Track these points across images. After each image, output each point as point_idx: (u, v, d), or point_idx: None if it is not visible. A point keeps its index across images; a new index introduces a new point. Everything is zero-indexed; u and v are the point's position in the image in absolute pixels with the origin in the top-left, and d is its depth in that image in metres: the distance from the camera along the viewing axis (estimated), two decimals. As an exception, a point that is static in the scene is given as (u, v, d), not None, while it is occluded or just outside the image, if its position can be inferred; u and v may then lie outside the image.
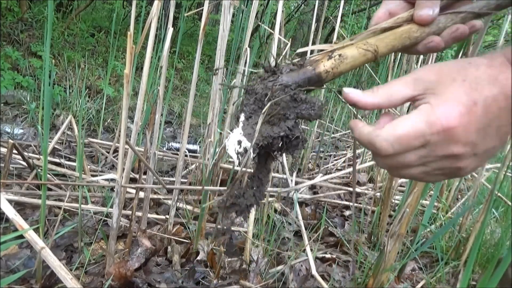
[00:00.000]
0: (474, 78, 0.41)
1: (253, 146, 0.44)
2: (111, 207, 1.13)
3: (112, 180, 1.47)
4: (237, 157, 0.44)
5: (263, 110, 0.45)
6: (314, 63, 0.48)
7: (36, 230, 0.99)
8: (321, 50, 0.50)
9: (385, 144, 0.41)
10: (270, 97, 0.45)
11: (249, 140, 0.44)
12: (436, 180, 0.45)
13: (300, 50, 0.55)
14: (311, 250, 1.39)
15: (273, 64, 0.49)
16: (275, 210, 1.72)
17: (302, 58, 0.49)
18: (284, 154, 0.52)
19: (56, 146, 1.93)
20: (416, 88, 0.42)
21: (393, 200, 1.99)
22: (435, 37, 0.52)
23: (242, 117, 0.47)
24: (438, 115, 0.40)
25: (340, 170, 2.43)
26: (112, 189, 1.45)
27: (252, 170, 0.51)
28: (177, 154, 1.91)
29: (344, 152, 2.96)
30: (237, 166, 0.44)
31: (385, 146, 0.41)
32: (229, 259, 1.34)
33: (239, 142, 0.45)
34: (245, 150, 0.44)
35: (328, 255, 1.51)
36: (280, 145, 0.48)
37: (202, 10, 1.25)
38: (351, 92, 0.46)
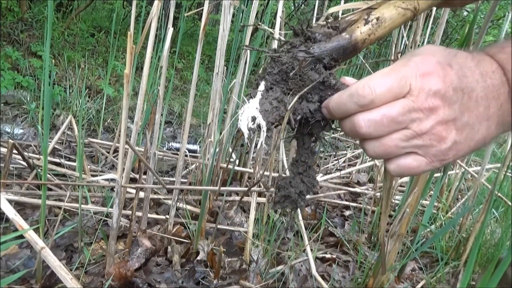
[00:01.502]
0: (454, 51, 0.42)
1: (268, 125, 0.40)
2: (111, 207, 1.13)
3: (112, 180, 1.47)
4: (249, 133, 0.40)
5: (294, 99, 0.40)
6: (349, 27, 0.43)
7: (36, 230, 0.99)
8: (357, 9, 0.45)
9: (366, 88, 0.39)
10: (297, 73, 0.41)
11: (264, 118, 0.40)
12: (421, 164, 0.42)
13: (332, 9, 0.49)
14: (311, 250, 1.39)
15: (305, 27, 0.43)
16: (275, 210, 1.72)
17: (337, 20, 0.44)
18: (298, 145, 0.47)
19: (56, 146, 1.93)
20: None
21: (393, 200, 1.99)
22: None
23: (262, 86, 0.42)
24: (415, 61, 0.40)
25: (340, 170, 2.43)
26: (112, 189, 1.45)
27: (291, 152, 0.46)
28: (177, 154, 1.91)
29: (344, 152, 2.96)
30: (247, 140, 0.42)
31: (366, 90, 0.39)
32: (229, 259, 1.34)
33: (254, 119, 0.40)
34: (259, 127, 0.40)
35: (328, 255, 1.51)
36: (297, 127, 0.44)
37: (202, 10, 1.25)
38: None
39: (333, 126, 0.46)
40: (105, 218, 1.38)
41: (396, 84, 0.39)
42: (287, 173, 0.45)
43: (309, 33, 0.42)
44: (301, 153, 0.47)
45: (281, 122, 0.41)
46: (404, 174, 0.42)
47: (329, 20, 0.44)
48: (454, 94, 0.39)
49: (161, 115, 1.60)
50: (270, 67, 0.43)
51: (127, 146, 1.08)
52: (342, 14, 0.47)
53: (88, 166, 1.72)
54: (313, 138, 0.47)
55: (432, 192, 2.05)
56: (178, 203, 1.43)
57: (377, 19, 0.43)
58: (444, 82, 0.39)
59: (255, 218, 1.36)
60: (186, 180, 1.79)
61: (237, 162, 1.97)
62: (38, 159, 1.67)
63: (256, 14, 1.66)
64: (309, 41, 0.42)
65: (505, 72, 0.41)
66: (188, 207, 1.53)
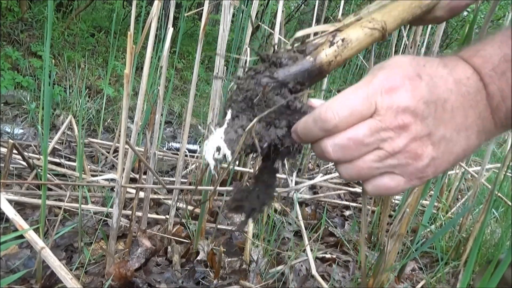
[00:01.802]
0: (423, 60, 0.39)
1: (233, 154, 0.40)
2: (111, 207, 1.13)
3: (112, 180, 1.47)
4: (215, 164, 0.40)
5: (252, 123, 0.40)
6: (315, 50, 0.42)
7: (36, 230, 0.99)
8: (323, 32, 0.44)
9: (329, 112, 0.37)
10: (261, 99, 0.40)
11: (229, 147, 0.39)
12: (399, 183, 0.39)
13: (299, 33, 0.47)
14: (311, 250, 1.39)
15: (271, 52, 0.43)
16: (275, 210, 1.72)
17: (304, 43, 0.43)
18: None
19: (56, 146, 1.93)
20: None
21: (393, 200, 1.99)
22: None
23: (228, 115, 0.42)
24: (380, 77, 0.37)
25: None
26: (112, 189, 1.45)
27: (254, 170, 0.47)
28: (177, 154, 1.91)
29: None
30: (213, 171, 0.40)
31: (329, 115, 0.37)
32: (229, 259, 1.34)
33: (218, 149, 0.39)
34: (224, 156, 0.39)
35: (328, 255, 1.51)
36: (267, 152, 0.43)
37: (202, 10, 1.25)
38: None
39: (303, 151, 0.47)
40: (105, 218, 1.38)
41: (360, 105, 0.37)
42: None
43: (274, 58, 0.42)
44: (263, 172, 0.47)
45: (247, 150, 0.40)
46: (382, 194, 0.41)
47: (296, 45, 0.43)
48: (426, 108, 0.37)
49: (161, 115, 1.60)
50: (235, 94, 0.42)
51: (127, 146, 1.08)
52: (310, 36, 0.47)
53: (88, 166, 1.72)
54: (278, 161, 0.46)
55: (432, 192, 2.05)
56: (178, 203, 1.43)
57: (343, 40, 0.42)
58: (413, 97, 0.36)
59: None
60: (186, 180, 1.79)
61: (237, 162, 1.97)
62: (38, 159, 1.67)
63: (256, 14, 1.66)
64: (274, 66, 0.42)
65: (481, 77, 0.39)
66: (188, 207, 1.54)
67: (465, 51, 0.41)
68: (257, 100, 0.41)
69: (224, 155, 0.39)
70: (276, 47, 0.43)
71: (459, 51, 0.41)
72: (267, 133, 0.41)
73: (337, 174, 2.21)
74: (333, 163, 0.39)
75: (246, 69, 0.43)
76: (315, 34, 0.45)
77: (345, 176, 0.40)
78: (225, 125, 0.41)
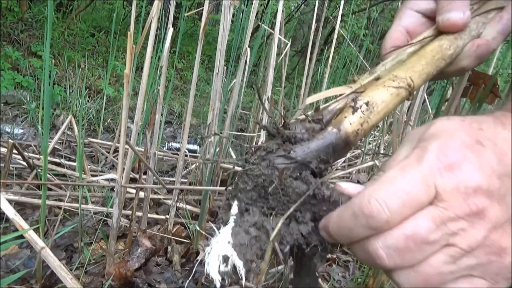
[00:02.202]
0: (476, 122, 0.31)
1: (247, 265, 0.30)
2: (111, 207, 1.13)
3: (112, 180, 1.47)
4: (222, 279, 0.29)
5: (276, 228, 0.30)
6: (335, 119, 0.34)
7: (36, 230, 0.99)
8: (340, 95, 0.37)
9: (375, 204, 0.28)
10: (278, 186, 0.31)
11: (240, 256, 0.29)
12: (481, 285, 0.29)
13: (310, 99, 0.38)
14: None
15: (281, 124, 0.34)
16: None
17: (319, 110, 0.35)
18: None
19: (56, 146, 1.93)
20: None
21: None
22: (478, 40, 0.42)
23: (235, 208, 0.32)
24: (432, 151, 0.29)
25: (340, 170, 2.43)
26: (112, 189, 1.45)
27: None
28: (177, 154, 1.91)
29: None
30: None
31: (376, 208, 0.28)
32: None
33: (226, 259, 0.29)
34: (234, 268, 0.29)
35: (328, 255, 1.51)
36: (290, 253, 0.34)
37: (202, 10, 1.25)
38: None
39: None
40: (105, 218, 1.38)
41: (415, 190, 0.28)
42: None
43: (286, 132, 0.33)
44: (302, 275, 0.36)
45: (263, 257, 0.31)
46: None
47: (309, 113, 0.35)
48: (501, 184, 0.28)
49: (161, 115, 1.60)
50: (242, 182, 0.33)
51: (127, 146, 1.08)
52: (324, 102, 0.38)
53: (88, 166, 1.72)
54: (315, 262, 0.36)
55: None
56: (178, 203, 1.43)
57: (367, 104, 0.34)
58: (482, 171, 0.28)
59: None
60: (186, 180, 1.79)
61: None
62: (38, 159, 1.67)
63: (256, 14, 1.66)
64: (288, 142, 0.33)
65: None
66: (188, 207, 1.54)
67: None
68: (272, 189, 0.32)
69: (234, 267, 0.29)
70: (285, 117, 0.35)
71: (507, 105, 0.33)
72: (287, 231, 0.32)
73: (337, 174, 2.21)
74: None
75: (254, 148, 0.34)
76: (328, 99, 0.38)
77: (404, 284, 0.30)
78: (232, 223, 0.31)
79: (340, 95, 0.37)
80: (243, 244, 0.30)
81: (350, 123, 0.34)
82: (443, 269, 0.29)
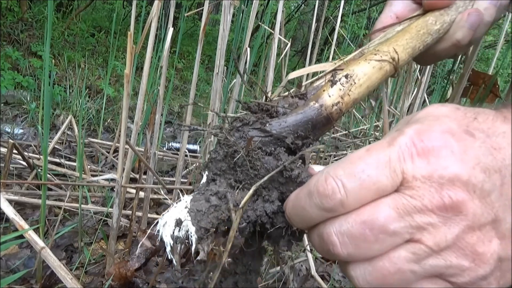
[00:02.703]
0: (472, 111, 0.28)
1: (200, 232, 0.28)
2: (111, 207, 1.13)
3: (112, 180, 1.47)
4: (172, 244, 0.28)
5: (243, 201, 0.28)
6: (315, 94, 0.33)
7: (36, 230, 0.99)
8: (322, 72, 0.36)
9: (331, 183, 0.25)
10: (245, 158, 0.30)
11: (194, 222, 0.28)
12: None
13: (292, 74, 0.38)
14: (311, 250, 1.39)
15: (264, 100, 0.33)
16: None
17: (304, 87, 0.35)
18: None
19: (56, 146, 1.93)
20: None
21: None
22: (469, 9, 0.41)
23: (204, 178, 0.32)
24: (408, 134, 0.26)
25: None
26: (112, 189, 1.45)
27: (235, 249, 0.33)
28: (177, 154, 1.91)
29: (344, 152, 2.96)
30: (170, 255, 0.26)
31: (331, 186, 0.25)
32: (230, 259, 1.34)
33: (179, 223, 0.28)
34: (186, 236, 0.28)
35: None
36: (252, 231, 0.32)
37: (202, 10, 1.25)
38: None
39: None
40: (105, 218, 1.38)
41: (377, 172, 0.25)
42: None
43: (268, 107, 0.32)
44: (246, 254, 0.34)
45: (221, 227, 0.30)
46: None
47: (293, 89, 0.35)
48: (486, 178, 0.24)
49: (161, 115, 1.60)
50: (214, 151, 0.32)
51: (127, 146, 1.08)
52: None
53: (88, 166, 1.72)
54: (268, 241, 0.33)
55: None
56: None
57: (346, 76, 0.33)
58: (464, 161, 0.24)
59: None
60: (186, 180, 1.79)
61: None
62: (38, 159, 1.67)
63: (256, 14, 1.66)
64: (268, 116, 0.32)
65: None
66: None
67: None
68: (239, 160, 0.30)
69: (187, 233, 0.28)
70: (269, 94, 0.33)
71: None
72: (251, 207, 0.30)
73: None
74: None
75: (231, 119, 0.33)
76: (315, 75, 0.36)
77: (362, 283, 0.26)
78: (195, 192, 0.31)
79: (324, 71, 0.36)
80: (200, 211, 0.29)
81: (329, 95, 0.32)
82: (404, 267, 0.25)
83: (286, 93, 0.34)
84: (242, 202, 0.29)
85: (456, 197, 0.24)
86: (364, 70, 0.34)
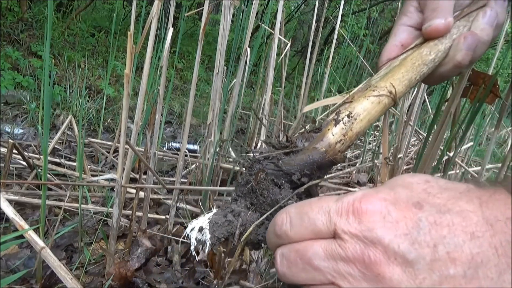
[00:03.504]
0: (442, 186, 0.28)
1: (212, 239, 0.36)
2: (111, 207, 1.13)
3: (112, 180, 1.47)
4: (195, 243, 0.36)
5: (247, 232, 0.36)
6: (321, 133, 0.38)
7: (36, 230, 0.99)
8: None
9: (283, 216, 0.31)
10: (255, 187, 0.37)
11: (210, 231, 0.36)
12: None
13: (306, 108, 0.44)
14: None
15: (284, 138, 0.39)
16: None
17: (319, 123, 0.40)
18: None
19: (56, 146, 1.93)
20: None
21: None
22: (465, 33, 0.43)
23: (232, 197, 0.39)
24: (356, 195, 0.29)
25: (340, 170, 2.43)
26: (112, 189, 1.45)
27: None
28: (177, 154, 1.91)
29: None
30: (193, 253, 0.37)
31: (282, 219, 0.31)
32: (229, 259, 1.34)
33: (200, 229, 0.36)
34: (204, 241, 0.36)
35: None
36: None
37: (202, 10, 1.25)
38: None
39: None
40: (105, 218, 1.38)
41: (317, 217, 0.29)
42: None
43: (288, 144, 0.38)
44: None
45: (229, 238, 0.37)
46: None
47: (309, 125, 0.40)
48: (411, 249, 0.25)
49: (161, 115, 1.60)
50: (241, 177, 0.39)
51: (127, 146, 1.08)
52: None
53: (88, 166, 1.72)
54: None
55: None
56: (178, 203, 1.43)
57: (348, 115, 0.38)
58: (391, 229, 0.26)
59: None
60: (186, 180, 1.79)
61: (237, 162, 1.97)
62: (38, 159, 1.67)
63: (256, 14, 1.66)
64: (284, 153, 0.38)
65: None
66: (188, 207, 1.54)
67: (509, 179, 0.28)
68: (248, 188, 0.37)
69: (205, 238, 0.36)
70: (287, 132, 0.39)
71: (504, 180, 0.28)
72: (256, 231, 0.38)
73: (337, 174, 2.21)
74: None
75: (257, 153, 0.39)
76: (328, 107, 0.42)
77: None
78: (217, 209, 0.38)
79: (334, 104, 0.41)
80: (217, 223, 0.36)
81: (333, 134, 0.38)
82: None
83: (303, 130, 0.39)
84: (243, 237, 0.37)
85: (375, 258, 0.25)
86: (364, 107, 0.39)
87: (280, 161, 0.37)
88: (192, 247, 0.36)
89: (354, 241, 0.26)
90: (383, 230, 0.26)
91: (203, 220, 0.37)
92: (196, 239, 0.36)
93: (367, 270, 0.26)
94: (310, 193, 0.38)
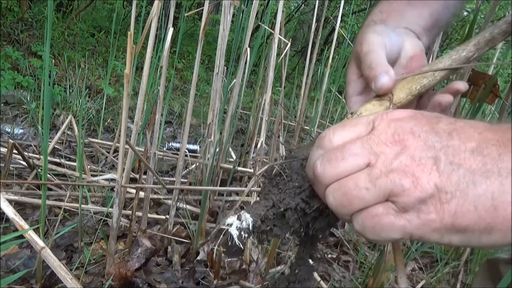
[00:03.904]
0: (447, 119, 0.34)
1: (254, 217, 0.39)
2: (111, 207, 1.13)
3: (112, 180, 1.47)
4: (237, 233, 0.38)
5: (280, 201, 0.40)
6: None
7: (36, 230, 0.99)
8: None
9: (327, 130, 0.36)
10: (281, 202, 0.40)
11: (252, 216, 0.39)
12: (387, 216, 0.31)
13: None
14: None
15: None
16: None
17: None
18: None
19: (56, 146, 1.93)
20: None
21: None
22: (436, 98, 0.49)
23: (256, 199, 0.43)
24: (382, 112, 0.36)
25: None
26: (112, 189, 1.45)
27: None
28: (177, 154, 1.91)
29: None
30: (237, 241, 0.39)
31: (326, 132, 0.36)
32: (229, 259, 1.34)
33: (239, 217, 0.39)
34: (248, 225, 0.38)
35: (328, 255, 1.51)
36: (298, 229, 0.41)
37: (202, 10, 1.25)
38: None
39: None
40: (105, 218, 1.38)
41: (357, 123, 0.35)
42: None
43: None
44: (299, 263, 0.46)
45: (268, 216, 0.39)
46: (368, 228, 0.32)
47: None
48: (435, 136, 0.32)
49: (161, 115, 1.60)
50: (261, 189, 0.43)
51: (127, 146, 1.08)
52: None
53: (88, 166, 1.72)
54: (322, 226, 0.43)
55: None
56: (178, 203, 1.43)
57: (352, 113, 0.45)
58: (420, 125, 0.33)
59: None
60: (186, 180, 1.79)
61: (237, 162, 1.97)
62: (38, 159, 1.67)
63: (256, 14, 1.66)
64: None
65: None
66: (188, 207, 1.54)
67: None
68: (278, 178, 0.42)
69: (247, 223, 0.38)
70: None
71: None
72: (290, 197, 0.40)
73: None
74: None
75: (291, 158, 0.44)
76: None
77: (331, 202, 0.34)
78: (253, 205, 0.41)
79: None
80: (252, 207, 0.40)
81: None
82: (361, 185, 0.32)
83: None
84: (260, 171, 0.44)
85: (403, 136, 0.32)
86: (366, 107, 0.46)
87: (292, 153, 0.43)
88: (235, 237, 0.38)
89: (387, 131, 0.33)
90: (412, 124, 0.32)
91: (237, 215, 0.39)
92: (237, 228, 0.38)
93: (396, 145, 0.32)
94: None
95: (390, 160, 0.31)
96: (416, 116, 0.34)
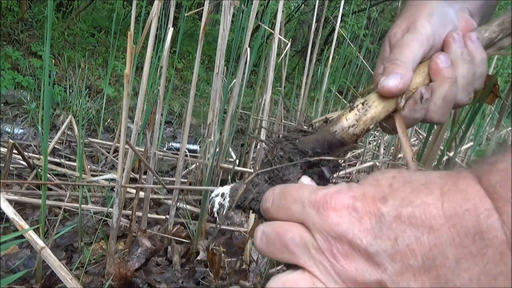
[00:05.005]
0: (407, 179, 0.29)
1: (230, 202, 0.41)
2: (111, 207, 1.13)
3: (112, 180, 1.47)
4: (217, 206, 0.41)
5: (251, 177, 0.42)
6: (336, 118, 0.42)
7: (36, 230, 0.99)
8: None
9: (268, 193, 0.35)
10: (272, 162, 0.42)
11: (230, 195, 0.41)
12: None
13: (330, 115, 0.47)
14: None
15: (308, 124, 0.44)
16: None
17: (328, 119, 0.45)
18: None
19: (56, 146, 1.93)
20: None
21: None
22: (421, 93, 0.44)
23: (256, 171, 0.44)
24: (331, 190, 0.30)
25: (340, 170, 2.43)
26: (112, 189, 1.45)
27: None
28: (177, 154, 1.91)
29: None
30: (216, 214, 0.42)
31: (267, 194, 0.35)
32: (229, 259, 1.34)
33: (222, 195, 0.41)
34: (226, 206, 0.41)
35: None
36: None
37: (202, 10, 1.25)
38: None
39: None
40: (105, 218, 1.38)
41: (291, 203, 0.32)
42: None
43: (311, 130, 0.44)
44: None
45: (245, 203, 0.40)
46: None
47: (329, 116, 0.46)
48: (374, 242, 0.27)
49: (161, 115, 1.60)
50: (264, 154, 0.44)
51: (127, 146, 1.08)
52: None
53: (88, 166, 1.72)
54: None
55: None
56: (178, 203, 1.43)
57: (363, 103, 0.42)
58: (355, 224, 0.28)
59: (255, 218, 1.36)
60: (186, 180, 1.79)
61: (237, 162, 1.97)
62: (38, 159, 1.67)
63: (256, 14, 1.66)
64: (302, 135, 0.43)
65: (496, 206, 0.24)
66: (188, 207, 1.54)
67: (481, 165, 0.27)
68: (266, 160, 0.42)
69: (226, 204, 0.41)
70: (310, 119, 0.45)
71: (477, 167, 0.28)
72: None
73: (336, 174, 2.21)
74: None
75: (281, 135, 0.44)
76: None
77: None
78: (244, 179, 0.43)
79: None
80: (237, 190, 0.41)
81: (347, 119, 0.41)
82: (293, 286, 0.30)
83: (323, 117, 0.45)
84: (239, 194, 0.41)
85: (342, 250, 0.28)
86: (377, 95, 0.42)
87: (297, 141, 0.42)
88: (215, 209, 0.41)
89: (323, 234, 0.29)
90: (348, 225, 0.28)
91: (226, 188, 0.41)
92: (218, 203, 0.41)
93: (335, 260, 0.28)
94: (323, 174, 0.42)
95: (330, 277, 0.28)
96: (362, 206, 0.28)
